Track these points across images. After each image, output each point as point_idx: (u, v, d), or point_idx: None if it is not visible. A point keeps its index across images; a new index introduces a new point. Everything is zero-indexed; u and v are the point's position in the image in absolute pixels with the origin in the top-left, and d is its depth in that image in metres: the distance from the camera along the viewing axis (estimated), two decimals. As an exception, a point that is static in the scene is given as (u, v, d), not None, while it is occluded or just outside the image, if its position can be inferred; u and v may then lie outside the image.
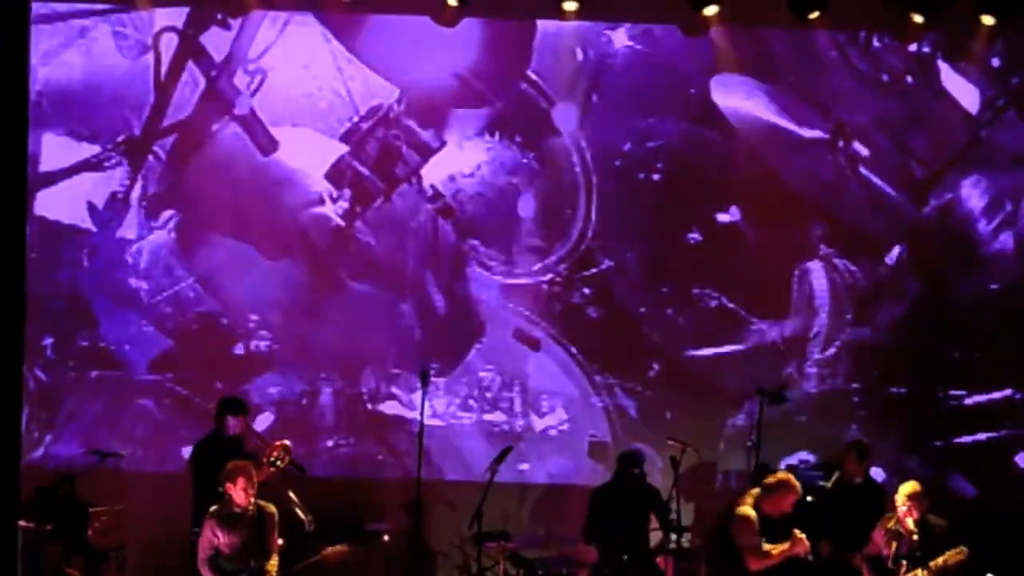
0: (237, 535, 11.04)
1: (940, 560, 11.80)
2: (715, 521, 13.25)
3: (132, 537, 13.51)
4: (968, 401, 15.04)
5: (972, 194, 15.15)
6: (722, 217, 15.16)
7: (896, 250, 15.10)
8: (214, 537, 11.07)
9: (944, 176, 15.12)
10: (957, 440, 15.00)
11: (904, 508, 11.94)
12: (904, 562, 11.88)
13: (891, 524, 12.06)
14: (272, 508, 11.24)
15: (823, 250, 15.11)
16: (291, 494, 12.29)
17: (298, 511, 12.19)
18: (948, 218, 15.18)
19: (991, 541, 12.97)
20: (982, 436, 15.05)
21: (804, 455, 14.60)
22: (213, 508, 11.20)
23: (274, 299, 14.80)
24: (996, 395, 15.07)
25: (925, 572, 11.80)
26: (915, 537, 11.84)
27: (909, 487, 12.03)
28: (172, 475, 13.85)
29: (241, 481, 10.99)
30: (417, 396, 13.82)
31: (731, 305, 15.04)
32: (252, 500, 11.10)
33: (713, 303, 15.05)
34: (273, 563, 11.15)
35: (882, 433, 14.83)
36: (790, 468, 14.00)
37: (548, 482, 14.77)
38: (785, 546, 12.21)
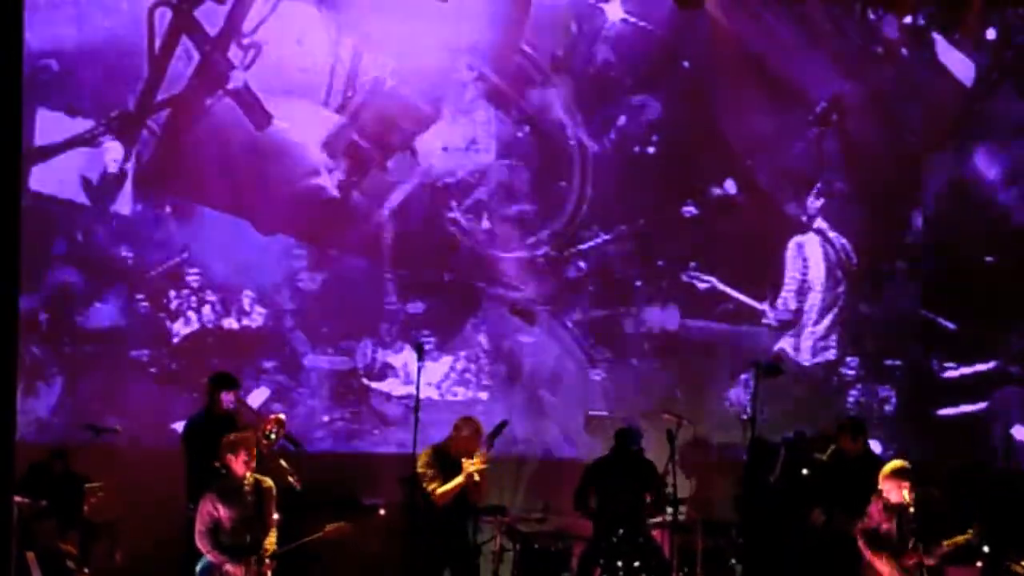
0: (237, 509, 11.04)
1: (950, 542, 11.77)
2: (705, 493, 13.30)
3: (127, 512, 13.49)
4: (959, 373, 15.13)
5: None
6: (717, 191, 15.17)
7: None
8: (214, 510, 11.06)
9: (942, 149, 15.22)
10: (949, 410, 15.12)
11: (890, 485, 11.90)
12: (913, 537, 11.81)
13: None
14: (270, 482, 11.24)
15: (818, 224, 15.14)
16: (282, 462, 12.26)
17: (289, 478, 12.18)
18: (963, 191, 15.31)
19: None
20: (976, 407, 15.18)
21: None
22: (214, 484, 11.23)
23: (269, 272, 14.78)
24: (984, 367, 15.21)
25: (934, 553, 11.74)
26: (912, 511, 11.81)
27: (890, 467, 11.96)
28: (167, 451, 13.82)
29: (243, 454, 11.02)
30: (412, 370, 13.77)
31: (726, 279, 15.09)
32: (251, 474, 11.12)
33: (708, 276, 15.07)
34: (271, 539, 11.16)
35: (877, 405, 14.87)
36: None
37: (544, 456, 14.77)
38: (459, 479, 12.24)
